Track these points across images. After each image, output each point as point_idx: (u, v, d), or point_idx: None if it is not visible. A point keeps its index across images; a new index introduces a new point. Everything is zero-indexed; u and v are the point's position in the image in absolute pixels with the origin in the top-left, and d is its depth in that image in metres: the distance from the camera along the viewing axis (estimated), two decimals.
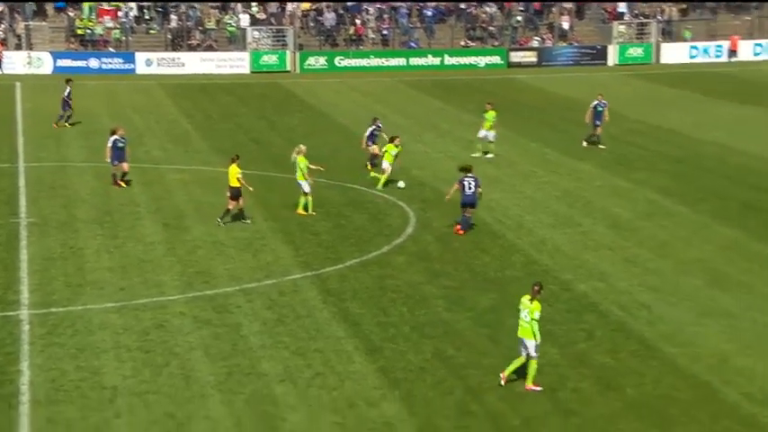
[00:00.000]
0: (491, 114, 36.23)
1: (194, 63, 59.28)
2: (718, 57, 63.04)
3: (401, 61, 61.20)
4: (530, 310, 17.74)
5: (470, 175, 26.71)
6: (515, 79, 57.02)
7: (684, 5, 66.22)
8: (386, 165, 31.72)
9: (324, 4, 64.02)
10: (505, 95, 50.71)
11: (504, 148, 37.50)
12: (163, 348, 19.66)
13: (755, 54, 63.25)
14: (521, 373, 17.97)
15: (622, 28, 63.75)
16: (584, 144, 38.06)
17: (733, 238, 26.68)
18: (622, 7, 65.24)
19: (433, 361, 19.15)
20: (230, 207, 27.83)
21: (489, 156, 36.14)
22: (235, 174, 27.41)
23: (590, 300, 22.26)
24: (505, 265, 24.61)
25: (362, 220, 28.35)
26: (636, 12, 65.69)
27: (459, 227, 26.99)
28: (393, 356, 19.33)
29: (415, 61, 61.27)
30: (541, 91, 52.91)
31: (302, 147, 28.89)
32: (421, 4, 64.66)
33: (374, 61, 61.01)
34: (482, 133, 36.50)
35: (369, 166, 33.33)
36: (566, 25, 64.35)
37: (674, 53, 63.16)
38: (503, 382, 17.93)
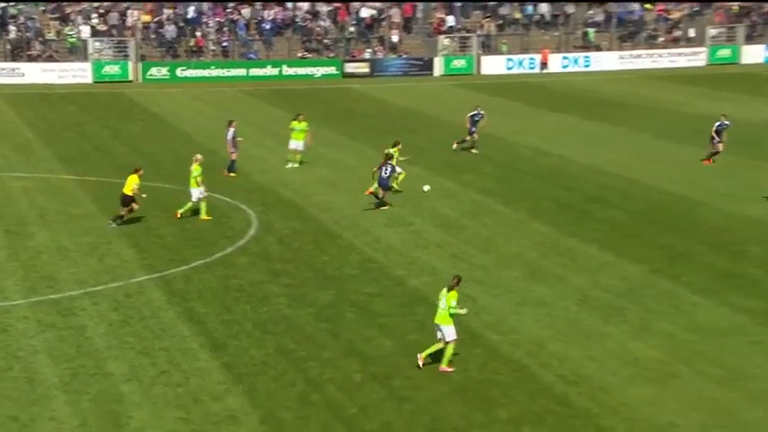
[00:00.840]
0: (302, 125, 35.01)
1: (35, 73, 57.40)
2: (531, 68, 64.87)
3: (241, 72, 60.70)
4: (447, 298, 18.40)
5: (389, 162, 29.62)
6: (350, 89, 57.32)
7: (501, 21, 67.97)
8: (398, 169, 30.97)
9: (164, 16, 62.96)
10: (341, 104, 50.96)
11: (342, 154, 37.66)
12: (5, 352, 18.99)
13: (563, 66, 65.48)
14: (435, 357, 18.46)
15: (447, 41, 64.94)
16: (455, 146, 38.68)
17: (547, 234, 27.48)
18: (451, 21, 66.44)
19: (274, 355, 19.09)
20: (122, 213, 27.36)
21: (294, 165, 35.14)
22: (132, 183, 27.10)
23: (421, 293, 22.58)
24: (343, 263, 24.72)
25: (206, 223, 28.00)
26: (459, 26, 67.03)
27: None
28: (236, 352, 19.19)
29: (254, 72, 60.86)
30: (374, 100, 53.36)
31: (199, 156, 28.54)
32: (259, 17, 64.31)
33: (215, 72, 60.34)
34: (293, 144, 35.13)
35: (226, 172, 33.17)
36: (395, 38, 65.17)
37: (493, 65, 64.73)
38: (420, 363, 18.43)
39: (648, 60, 66.43)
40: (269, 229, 27.51)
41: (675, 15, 69.73)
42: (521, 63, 65.05)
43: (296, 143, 35.35)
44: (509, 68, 64.77)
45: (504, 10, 68.77)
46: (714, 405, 17.31)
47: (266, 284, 23.01)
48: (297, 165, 35.32)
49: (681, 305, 21.87)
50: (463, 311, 18.69)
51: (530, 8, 69.24)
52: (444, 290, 18.68)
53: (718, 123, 36.09)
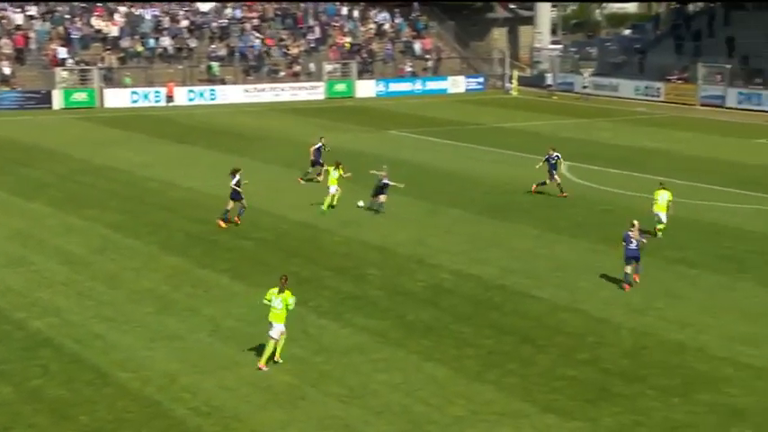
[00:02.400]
0: None
1: None
2: (157, 101, 64.17)
3: None
4: (282, 299, 19.62)
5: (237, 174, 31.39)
6: None
7: (123, 54, 66.71)
8: (333, 189, 33.05)
9: None
10: None
11: None
12: None
13: (190, 99, 65.44)
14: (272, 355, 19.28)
15: (65, 74, 62.73)
16: (302, 181, 37.99)
17: (179, 266, 27.11)
18: (63, 53, 64.17)
19: None
20: None
21: None
22: None
23: (45, 335, 21.40)
24: None
25: None
26: (78, 59, 64.96)
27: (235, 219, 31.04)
28: None
29: None
30: None
31: None
32: None
33: None
34: None
35: None
36: (7, 70, 61.93)
37: (117, 98, 63.34)
38: (262, 366, 19.51)
39: (272, 94, 67.90)
40: None
41: (294, 51, 71.87)
42: (146, 96, 64.14)
43: None
44: (134, 101, 63.62)
45: (125, 43, 67.63)
46: (340, 423, 17.77)
47: None
48: None
49: (309, 329, 22.32)
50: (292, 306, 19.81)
51: (152, 41, 68.57)
52: (274, 290, 19.72)
53: (548, 156, 36.07)
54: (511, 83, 74.58)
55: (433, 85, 73.80)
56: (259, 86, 67.95)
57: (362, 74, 72.01)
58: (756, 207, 34.24)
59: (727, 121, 58.50)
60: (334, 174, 33.64)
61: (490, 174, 39.16)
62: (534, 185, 36.45)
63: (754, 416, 18.04)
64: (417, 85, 73.21)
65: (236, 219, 31.78)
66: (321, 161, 38.11)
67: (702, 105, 64.98)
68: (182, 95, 64.99)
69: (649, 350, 21.14)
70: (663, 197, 30.47)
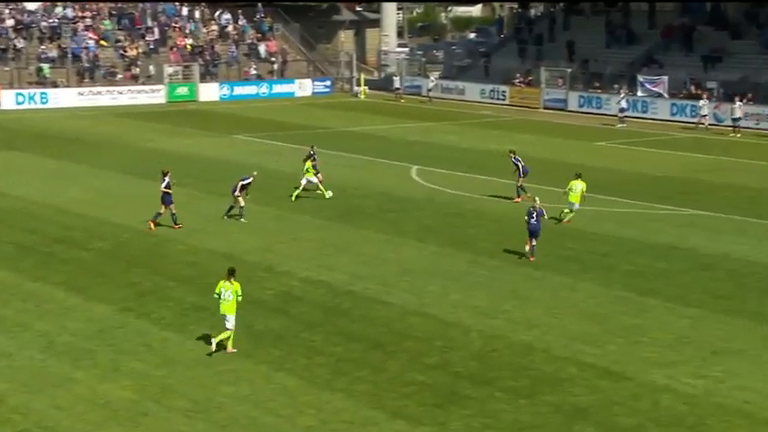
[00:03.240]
0: None
1: None
2: None
3: None
4: (233, 290, 21.01)
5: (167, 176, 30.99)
6: None
7: None
8: (305, 180, 35.87)
9: None
10: None
11: None
12: None
13: (18, 103, 63.35)
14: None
15: None
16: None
17: (8, 280, 26.18)
18: None
19: None
20: None
21: None
22: None
23: None
24: None
25: None
26: None
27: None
28: None
29: None
30: None
31: None
32: None
33: None
34: None
35: None
36: None
37: None
38: (213, 348, 20.82)
39: (108, 97, 66.30)
40: None
41: (133, 53, 70.43)
42: None
43: None
44: None
45: None
46: None
47: None
48: None
49: (151, 342, 21.86)
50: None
51: None
52: (224, 282, 21.02)
53: (514, 159, 36.21)
54: (358, 86, 75.06)
55: (279, 88, 73.54)
56: (95, 89, 66.28)
57: (205, 77, 71.14)
58: (596, 209, 35.39)
59: (570, 124, 60.32)
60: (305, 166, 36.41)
61: (338, 178, 39.25)
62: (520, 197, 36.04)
63: (595, 414, 18.61)
64: (263, 89, 72.82)
65: (174, 226, 31.36)
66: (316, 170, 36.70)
67: (546, 108, 66.80)
68: (9, 99, 62.79)
69: (498, 352, 21.56)
70: (577, 187, 32.89)
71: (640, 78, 62.96)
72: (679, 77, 62.27)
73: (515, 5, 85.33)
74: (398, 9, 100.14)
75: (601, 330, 22.92)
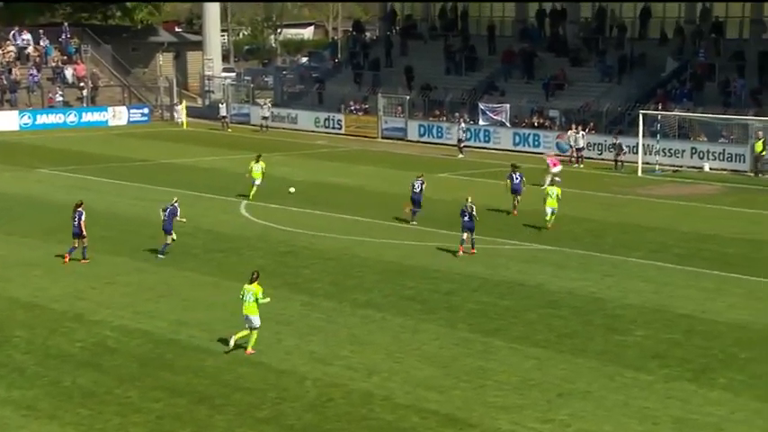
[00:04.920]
0: None
1: None
2: None
3: None
4: (254, 292, 24.10)
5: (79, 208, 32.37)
6: None
7: None
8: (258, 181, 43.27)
9: None
10: None
11: None
12: None
13: None
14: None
15: None
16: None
17: None
18: None
19: None
20: None
21: None
22: None
23: None
24: None
25: None
26: None
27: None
28: None
29: None
30: None
31: None
32: None
33: None
34: None
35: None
36: None
37: None
38: (231, 344, 24.15)
39: None
40: None
41: None
42: None
43: None
44: None
45: None
46: None
47: None
48: None
49: None
50: (267, 300, 24.42)
51: None
52: (246, 285, 24.22)
53: (510, 175, 41.29)
54: (180, 114, 74.40)
55: (90, 116, 72.23)
56: None
57: (2, 104, 69.11)
58: (438, 244, 36.03)
59: (410, 154, 61.32)
60: (257, 167, 43.82)
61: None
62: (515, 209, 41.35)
63: None
64: (71, 117, 71.37)
65: (82, 260, 31.91)
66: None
67: (384, 138, 67.77)
68: None
69: (335, 402, 21.61)
70: (553, 192, 38.51)
71: (481, 106, 64.62)
72: (521, 105, 64.25)
73: (349, 28, 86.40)
74: (223, 31, 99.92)
75: (444, 374, 23.27)
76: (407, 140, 66.45)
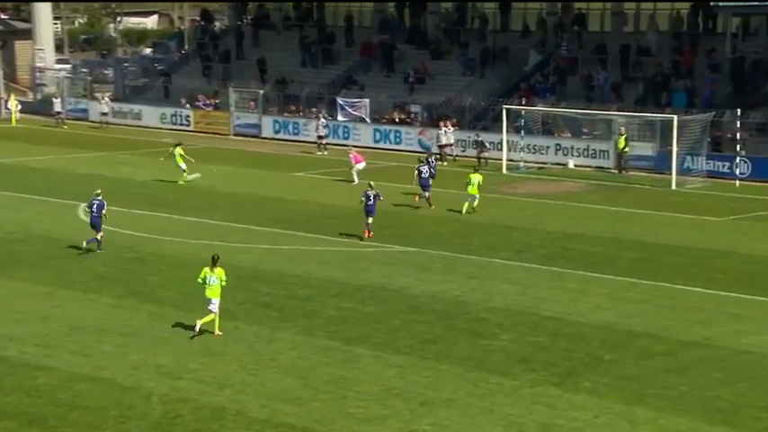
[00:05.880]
0: None
1: None
2: None
3: None
4: (218, 275, 26.11)
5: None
6: None
7: None
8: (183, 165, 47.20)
9: None
10: None
11: None
12: None
13: None
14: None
15: None
16: None
17: None
18: None
19: None
20: None
21: None
22: None
23: None
24: None
25: None
26: None
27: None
28: None
29: None
30: None
31: None
32: None
33: None
34: None
35: None
36: None
37: None
38: (197, 329, 25.77)
39: None
40: None
41: None
42: None
43: None
44: None
45: None
46: None
47: None
48: None
49: None
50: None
51: None
52: (207, 269, 26.07)
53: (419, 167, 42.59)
54: (8, 109, 72.57)
55: None
56: None
57: None
58: (297, 248, 36.02)
59: (265, 152, 61.13)
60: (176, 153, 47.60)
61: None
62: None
63: None
64: None
65: None
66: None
67: (237, 135, 67.37)
68: None
69: (183, 419, 21.39)
70: (475, 179, 41.81)
71: (340, 101, 64.78)
72: (381, 100, 64.63)
73: (197, 18, 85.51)
74: (56, 19, 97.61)
75: (303, 386, 23.27)
76: (262, 137, 66.20)
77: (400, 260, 34.99)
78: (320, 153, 59.36)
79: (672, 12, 64.77)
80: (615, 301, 30.22)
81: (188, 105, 70.53)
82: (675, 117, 49.34)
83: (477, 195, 41.85)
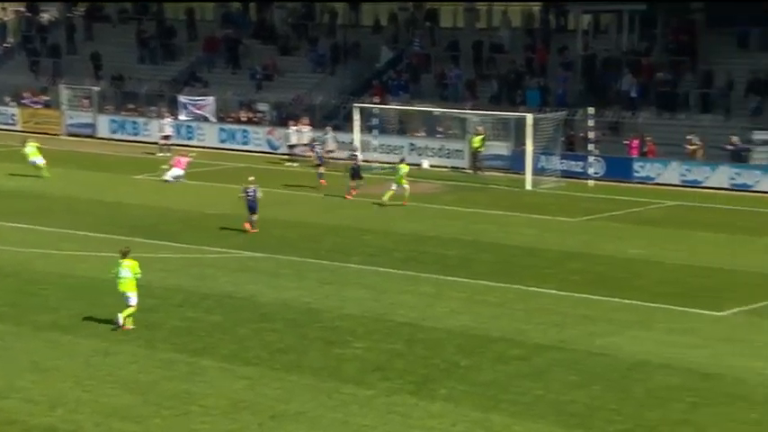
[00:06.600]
0: None
1: None
2: None
3: None
4: (131, 268, 26.65)
5: None
6: None
7: None
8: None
9: None
10: None
11: None
12: None
13: None
14: None
15: None
16: None
17: None
18: None
19: None
20: None
21: None
22: None
23: None
24: None
25: None
26: None
27: None
28: None
29: None
30: None
31: None
32: None
33: None
34: None
35: None
36: None
37: None
38: (120, 323, 26.62)
39: None
40: None
41: None
42: None
43: None
44: None
45: None
46: None
47: None
48: None
49: None
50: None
51: None
52: (122, 260, 26.58)
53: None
54: None
55: None
56: None
57: None
58: (138, 255, 35.40)
59: (101, 153, 60.11)
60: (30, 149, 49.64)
61: None
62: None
63: None
64: None
65: None
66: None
67: (70, 135, 66.04)
68: None
69: None
70: (403, 170, 44.98)
71: (182, 99, 64.06)
72: (227, 98, 64.13)
73: (22, 8, 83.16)
74: None
75: (143, 402, 22.88)
76: (97, 138, 65.02)
77: (248, 266, 34.77)
78: (161, 154, 58.54)
79: (524, 8, 65.92)
80: (471, 304, 30.56)
81: (13, 103, 68.83)
82: (529, 116, 50.16)
83: (406, 185, 44.78)
